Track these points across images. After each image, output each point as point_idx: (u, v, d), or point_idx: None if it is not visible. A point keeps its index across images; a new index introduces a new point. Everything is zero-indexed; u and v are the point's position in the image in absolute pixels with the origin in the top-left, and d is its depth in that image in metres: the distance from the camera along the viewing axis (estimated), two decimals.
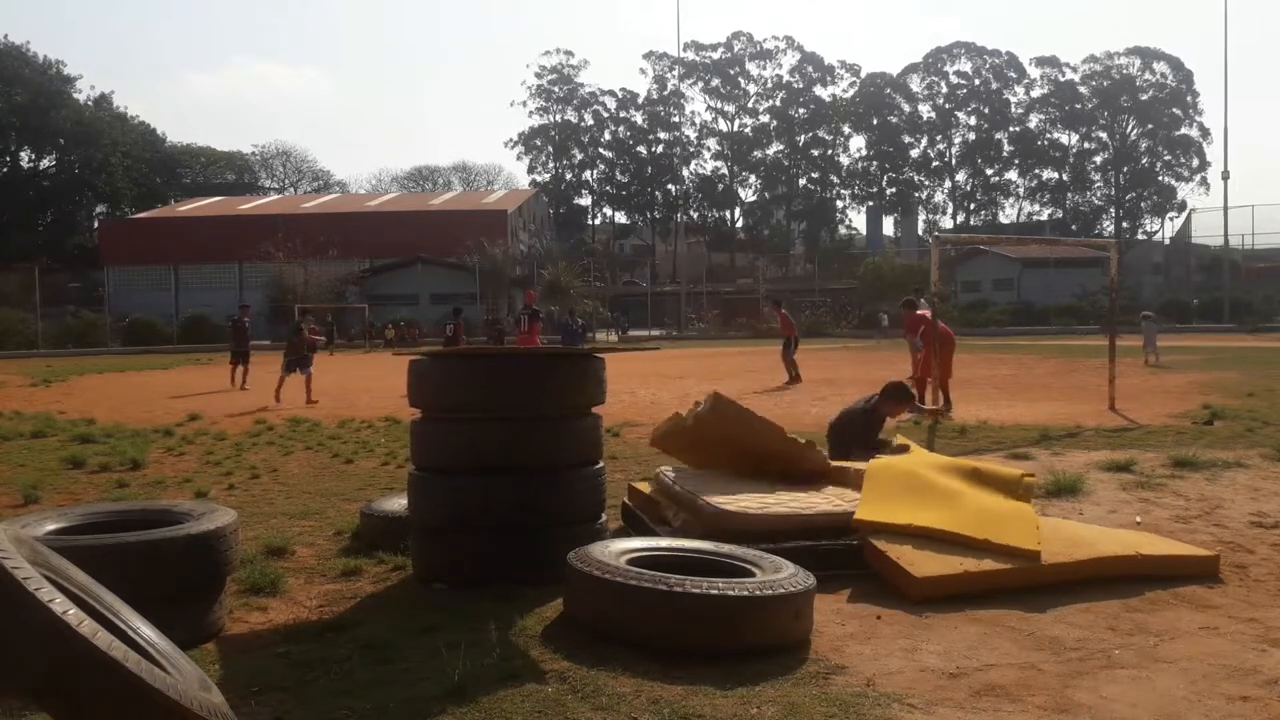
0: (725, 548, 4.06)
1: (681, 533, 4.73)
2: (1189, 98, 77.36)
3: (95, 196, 74.68)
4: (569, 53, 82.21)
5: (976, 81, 79.98)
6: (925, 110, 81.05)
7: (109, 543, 3.57)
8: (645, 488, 5.59)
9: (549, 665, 3.31)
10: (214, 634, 3.75)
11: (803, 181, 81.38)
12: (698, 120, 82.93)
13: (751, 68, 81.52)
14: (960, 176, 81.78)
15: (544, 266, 51.50)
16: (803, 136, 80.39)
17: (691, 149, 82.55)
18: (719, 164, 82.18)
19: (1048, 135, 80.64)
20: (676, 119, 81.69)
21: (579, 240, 76.17)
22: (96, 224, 71.88)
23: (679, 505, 4.97)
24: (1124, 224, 78.14)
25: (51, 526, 3.79)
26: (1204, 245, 59.36)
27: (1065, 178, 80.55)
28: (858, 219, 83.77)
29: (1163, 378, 16.21)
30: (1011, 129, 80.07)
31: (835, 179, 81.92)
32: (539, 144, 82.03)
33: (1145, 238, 76.45)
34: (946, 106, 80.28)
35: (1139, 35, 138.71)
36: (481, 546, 4.27)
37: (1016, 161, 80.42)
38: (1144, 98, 77.39)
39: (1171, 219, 78.54)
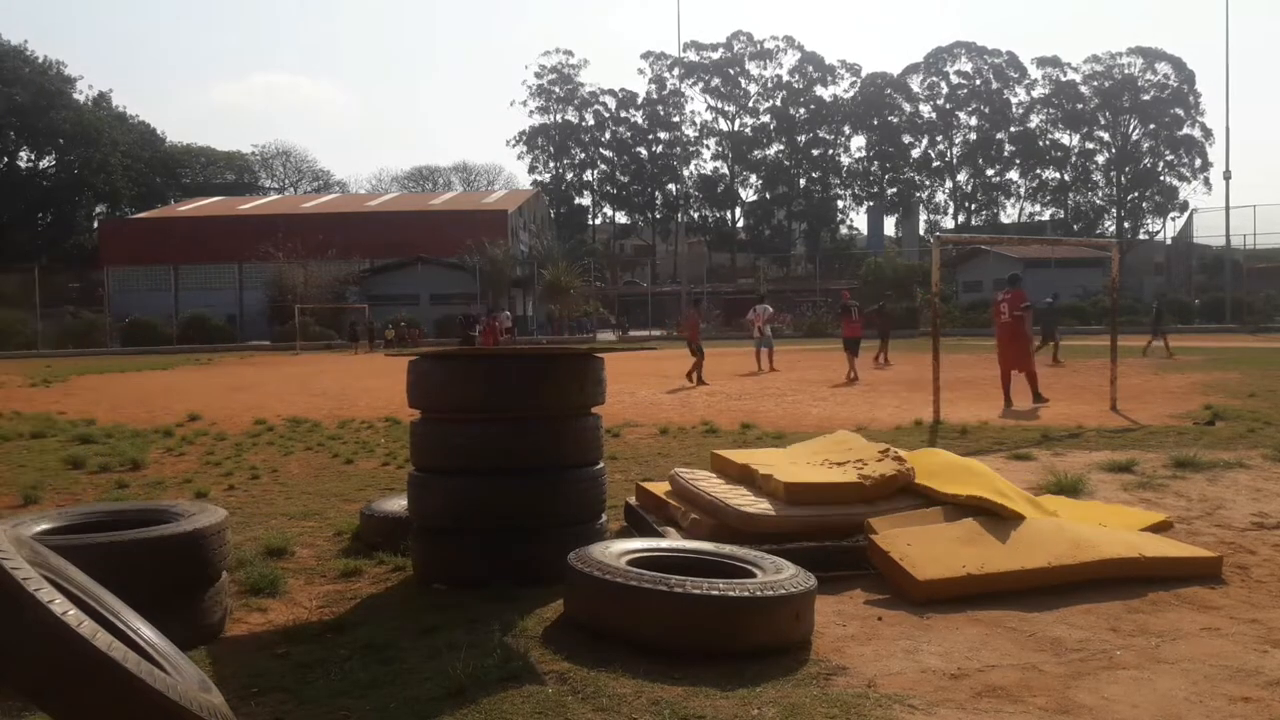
0: (726, 548, 4.05)
1: (687, 534, 4.72)
2: (1191, 98, 77.35)
3: (95, 196, 74.74)
4: (569, 52, 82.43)
5: (977, 81, 79.98)
6: (926, 110, 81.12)
7: (87, 543, 3.51)
8: (654, 488, 5.58)
9: (549, 666, 3.31)
10: (211, 635, 3.73)
11: (803, 181, 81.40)
12: (698, 120, 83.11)
13: (751, 67, 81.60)
14: (961, 177, 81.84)
15: (544, 266, 51.52)
16: (803, 136, 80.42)
17: (692, 149, 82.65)
18: (719, 164, 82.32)
19: (1049, 135, 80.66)
20: (677, 119, 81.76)
21: (579, 240, 76.21)
22: (96, 224, 71.91)
23: (697, 506, 4.96)
24: (1126, 224, 78.12)
25: (40, 528, 3.72)
26: (1206, 245, 59.35)
27: (1067, 178, 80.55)
28: (859, 219, 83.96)
29: (1164, 378, 16.20)
30: (1012, 129, 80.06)
31: (836, 179, 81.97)
32: (539, 144, 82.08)
33: (1147, 238, 76.44)
34: (947, 106, 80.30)
35: (1141, 35, 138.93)
36: (481, 547, 4.27)
37: (1018, 162, 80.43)
38: (1146, 98, 77.37)
39: (1173, 219, 78.58)
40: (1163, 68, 77.74)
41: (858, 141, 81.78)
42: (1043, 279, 54.17)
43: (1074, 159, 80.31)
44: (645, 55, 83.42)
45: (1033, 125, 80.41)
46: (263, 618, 4.02)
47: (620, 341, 44.92)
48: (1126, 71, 78.18)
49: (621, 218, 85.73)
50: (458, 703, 2.99)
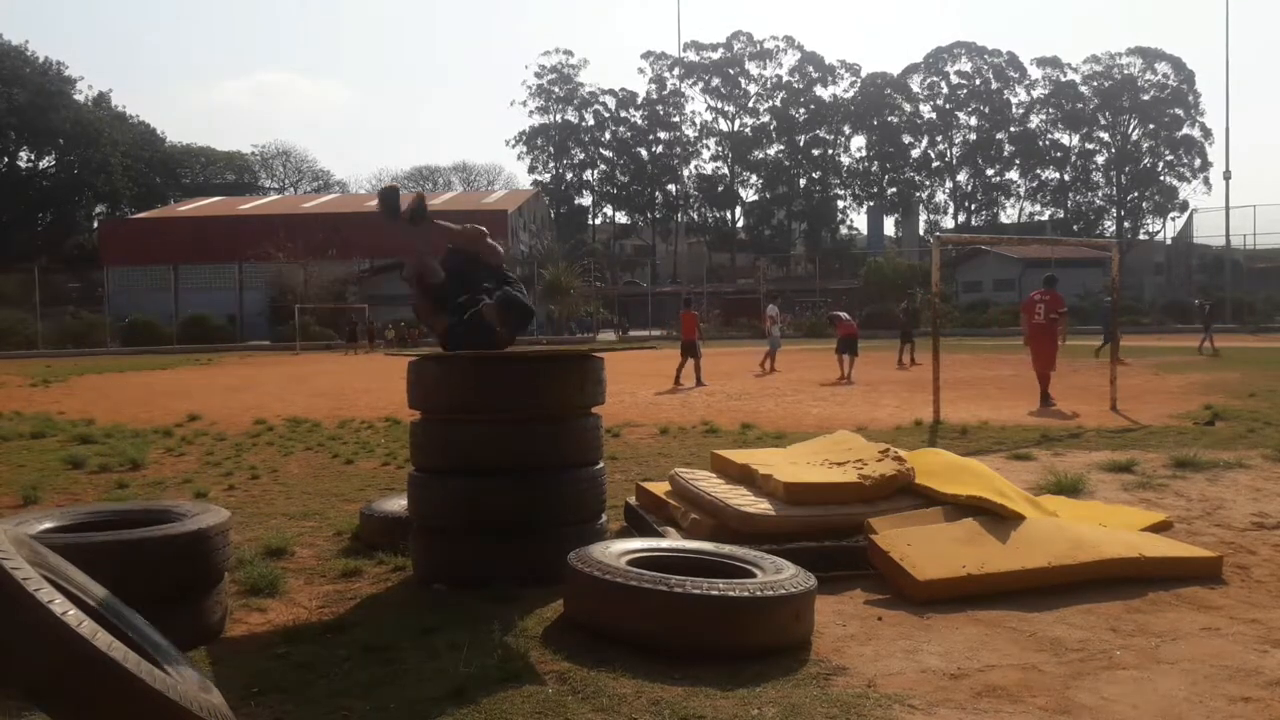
0: (726, 548, 4.05)
1: (687, 534, 4.72)
2: (1191, 98, 77.37)
3: (95, 196, 74.72)
4: (569, 52, 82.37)
5: (977, 81, 79.99)
6: (926, 110, 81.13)
7: (91, 541, 3.50)
8: (655, 488, 5.58)
9: (549, 666, 3.31)
10: (211, 635, 3.72)
11: (803, 181, 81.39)
12: (698, 120, 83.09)
13: (751, 67, 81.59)
14: (961, 177, 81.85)
15: (544, 267, 51.50)
16: (803, 136, 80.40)
17: (692, 149, 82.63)
18: (719, 164, 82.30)
19: (1049, 135, 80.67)
20: (677, 119, 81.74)
21: (579, 240, 76.18)
22: (96, 224, 71.87)
23: (698, 506, 4.96)
24: (1125, 224, 78.13)
25: (40, 527, 3.71)
26: (1206, 245, 59.39)
27: (1066, 178, 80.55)
28: (859, 219, 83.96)
29: (1164, 378, 16.20)
30: (1012, 129, 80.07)
31: (836, 179, 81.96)
32: (539, 144, 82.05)
33: (1147, 238, 76.44)
34: (947, 106, 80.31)
35: (1140, 35, 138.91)
36: (481, 547, 4.27)
37: (1017, 162, 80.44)
38: (1145, 98, 77.38)
39: (1173, 219, 78.60)
40: (1162, 68, 77.79)
41: (858, 141, 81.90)
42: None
43: (1074, 159, 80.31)
44: (645, 55, 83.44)
45: (1033, 125, 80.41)
46: (263, 618, 4.02)
47: (620, 341, 44.95)
48: (1126, 72, 78.20)
49: (621, 218, 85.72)
50: (458, 703, 2.99)
